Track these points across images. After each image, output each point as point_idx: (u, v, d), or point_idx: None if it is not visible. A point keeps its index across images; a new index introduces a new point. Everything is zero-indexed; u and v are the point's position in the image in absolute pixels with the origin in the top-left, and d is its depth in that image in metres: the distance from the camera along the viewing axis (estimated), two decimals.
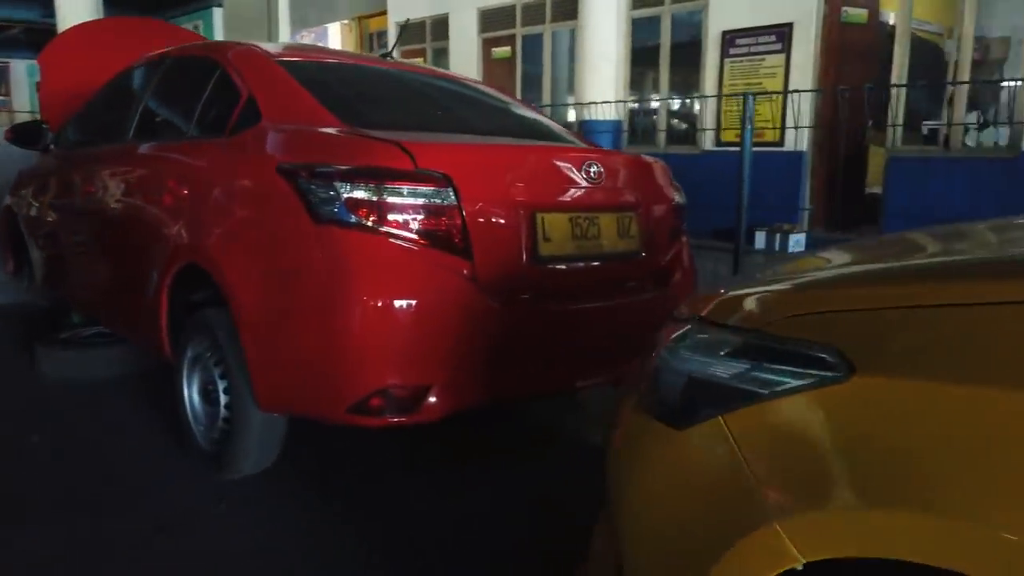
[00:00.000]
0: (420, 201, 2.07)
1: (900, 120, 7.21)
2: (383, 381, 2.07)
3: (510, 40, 10.75)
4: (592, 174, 2.35)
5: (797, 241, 7.70)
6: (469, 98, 3.12)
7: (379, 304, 2.04)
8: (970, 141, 7.33)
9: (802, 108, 7.19)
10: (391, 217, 2.06)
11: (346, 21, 14.33)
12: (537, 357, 2.27)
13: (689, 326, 1.25)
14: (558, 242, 2.28)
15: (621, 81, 9.34)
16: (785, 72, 7.84)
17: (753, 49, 8.08)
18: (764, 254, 7.16)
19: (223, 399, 2.45)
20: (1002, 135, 6.98)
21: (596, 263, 2.39)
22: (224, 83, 2.70)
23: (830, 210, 8.16)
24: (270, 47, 2.94)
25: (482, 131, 2.69)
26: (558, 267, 2.30)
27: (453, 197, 2.09)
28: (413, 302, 2.04)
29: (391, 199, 2.06)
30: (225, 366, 2.42)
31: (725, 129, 8.04)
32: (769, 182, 7.35)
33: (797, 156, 7.74)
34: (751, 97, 3.46)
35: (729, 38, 8.26)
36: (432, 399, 2.10)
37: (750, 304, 1.19)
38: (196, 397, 2.63)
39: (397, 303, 2.04)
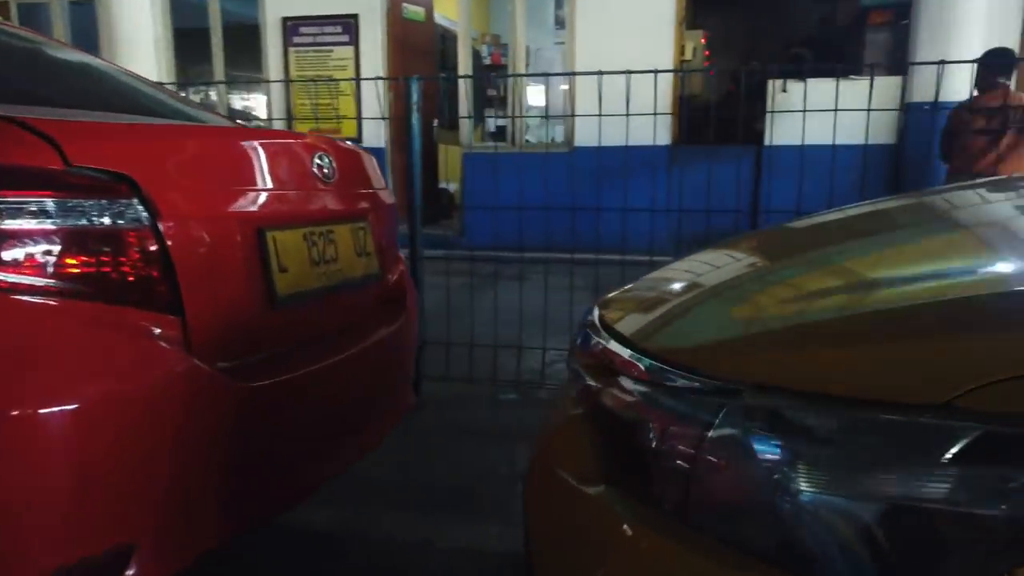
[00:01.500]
0: (84, 223, 1.15)
1: (471, 118, 7.51)
2: (41, 564, 1.11)
3: (2, 9, 8.47)
4: (325, 171, 1.64)
5: None
6: (68, 61, 2.03)
7: (15, 420, 1.08)
8: (532, 137, 7.97)
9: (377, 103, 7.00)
10: (26, 256, 1.10)
11: None
12: (294, 448, 1.50)
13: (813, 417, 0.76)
14: (297, 272, 1.53)
15: (164, 67, 8.04)
16: (356, 65, 7.55)
17: (319, 39, 7.60)
18: None
19: None
20: (558, 132, 7.73)
21: (340, 295, 1.70)
22: None
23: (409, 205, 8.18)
24: None
25: (123, 108, 1.72)
26: (301, 309, 1.55)
27: (143, 213, 1.21)
28: (84, 406, 1.13)
29: (26, 224, 1.10)
30: None
31: (297, 119, 7.43)
32: None
33: (378, 151, 7.52)
34: (415, 80, 2.99)
35: (291, 26, 7.65)
36: (132, 571, 1.20)
37: (890, 364, 0.75)
38: None
39: (52, 412, 1.11)
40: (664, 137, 7.01)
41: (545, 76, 4.48)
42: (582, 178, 4.34)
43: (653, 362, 0.96)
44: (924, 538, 0.67)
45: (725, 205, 3.74)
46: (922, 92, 6.62)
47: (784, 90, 6.84)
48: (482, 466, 2.58)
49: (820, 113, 3.40)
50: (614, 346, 1.07)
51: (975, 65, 4.76)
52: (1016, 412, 0.65)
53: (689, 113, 7.53)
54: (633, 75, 3.11)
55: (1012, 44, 6.69)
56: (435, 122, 8.14)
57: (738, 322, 0.96)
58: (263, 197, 1.47)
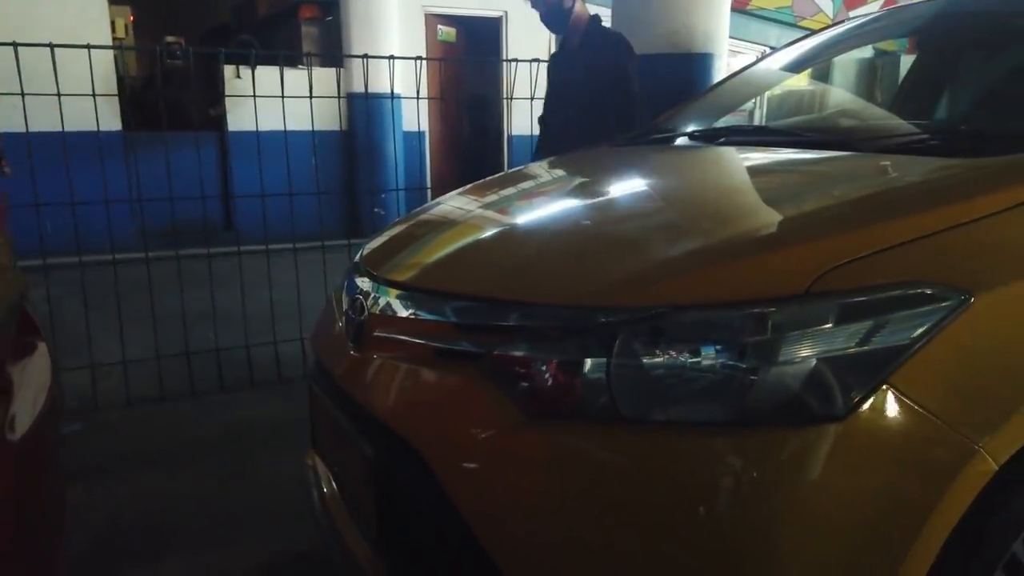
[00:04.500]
0: None
1: None
2: None
3: None
4: None
5: None
6: None
7: None
8: None
9: None
10: None
11: None
12: None
13: (719, 317, 1.03)
14: None
15: None
16: None
17: None
18: None
19: None
20: None
21: None
22: None
23: None
24: None
25: None
26: None
27: None
28: None
29: None
30: None
31: None
32: None
33: None
34: None
35: None
36: None
37: (766, 272, 1.07)
38: None
39: None
40: (113, 122, 6.34)
41: None
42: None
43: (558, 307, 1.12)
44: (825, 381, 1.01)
45: (193, 193, 3.55)
46: (358, 83, 7.38)
47: (239, 76, 6.87)
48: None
49: (277, 100, 3.37)
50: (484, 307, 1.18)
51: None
52: (858, 286, 1.03)
53: (135, 96, 6.94)
54: (65, 53, 2.76)
55: (419, 41, 7.96)
56: None
57: (624, 255, 1.19)
58: None
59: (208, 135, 7.04)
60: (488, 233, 1.46)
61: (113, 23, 7.01)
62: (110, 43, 6.67)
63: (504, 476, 1.10)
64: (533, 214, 1.54)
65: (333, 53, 7.58)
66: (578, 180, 1.78)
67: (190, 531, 2.08)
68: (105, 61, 6.16)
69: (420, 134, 8.09)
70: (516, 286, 1.20)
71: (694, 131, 2.00)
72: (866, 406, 0.99)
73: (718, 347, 1.04)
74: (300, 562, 1.91)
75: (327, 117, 7.34)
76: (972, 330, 1.03)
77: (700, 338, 1.04)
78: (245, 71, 6.74)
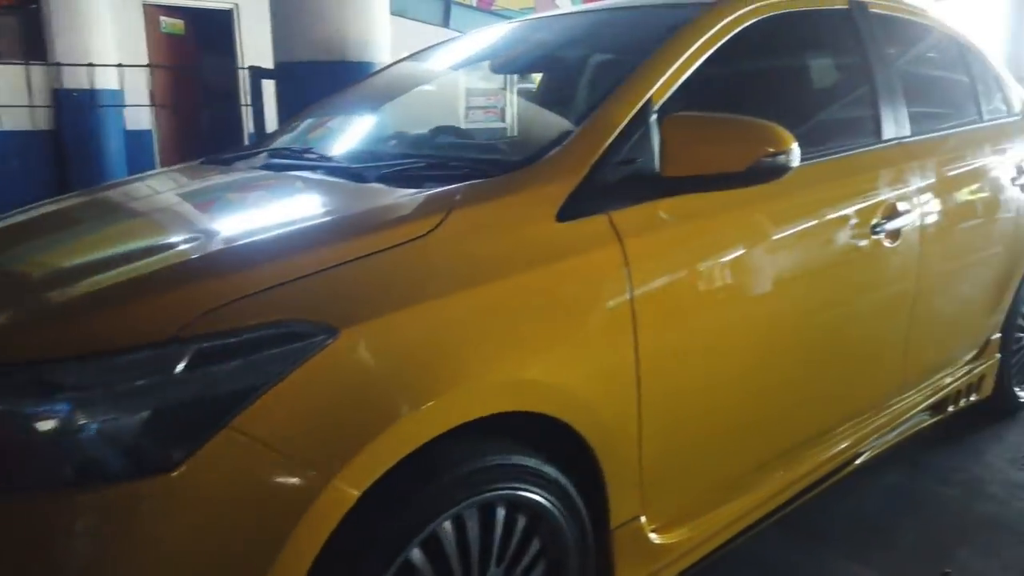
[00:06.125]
0: None
1: None
2: None
3: None
4: None
5: None
6: None
7: None
8: None
9: None
10: None
11: None
12: None
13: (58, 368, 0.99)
14: None
15: None
16: None
17: None
18: None
19: None
20: None
21: None
22: None
23: None
24: None
25: None
26: None
27: None
28: None
29: None
30: None
31: None
32: None
33: None
34: None
35: None
36: None
37: (137, 319, 1.05)
38: None
39: None
40: None
41: None
42: None
43: None
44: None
45: None
46: (73, 79, 6.76)
47: None
48: None
49: None
50: None
51: None
52: (220, 329, 1.04)
53: None
54: None
55: (138, 33, 7.40)
56: None
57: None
58: None
59: None
60: None
61: None
62: None
63: None
64: None
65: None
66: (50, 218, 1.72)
67: None
68: None
69: (146, 132, 7.55)
70: None
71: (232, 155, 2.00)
72: (207, 450, 0.99)
73: (68, 401, 0.99)
74: None
75: (22, 116, 6.66)
76: (334, 365, 1.07)
77: (49, 393, 1.00)
78: None
